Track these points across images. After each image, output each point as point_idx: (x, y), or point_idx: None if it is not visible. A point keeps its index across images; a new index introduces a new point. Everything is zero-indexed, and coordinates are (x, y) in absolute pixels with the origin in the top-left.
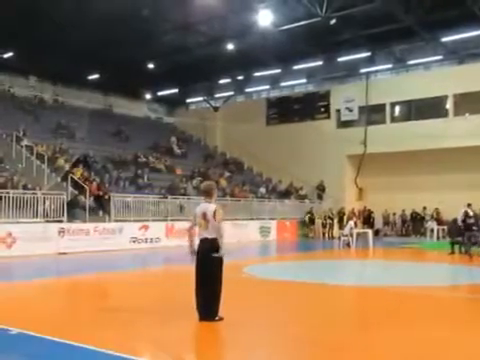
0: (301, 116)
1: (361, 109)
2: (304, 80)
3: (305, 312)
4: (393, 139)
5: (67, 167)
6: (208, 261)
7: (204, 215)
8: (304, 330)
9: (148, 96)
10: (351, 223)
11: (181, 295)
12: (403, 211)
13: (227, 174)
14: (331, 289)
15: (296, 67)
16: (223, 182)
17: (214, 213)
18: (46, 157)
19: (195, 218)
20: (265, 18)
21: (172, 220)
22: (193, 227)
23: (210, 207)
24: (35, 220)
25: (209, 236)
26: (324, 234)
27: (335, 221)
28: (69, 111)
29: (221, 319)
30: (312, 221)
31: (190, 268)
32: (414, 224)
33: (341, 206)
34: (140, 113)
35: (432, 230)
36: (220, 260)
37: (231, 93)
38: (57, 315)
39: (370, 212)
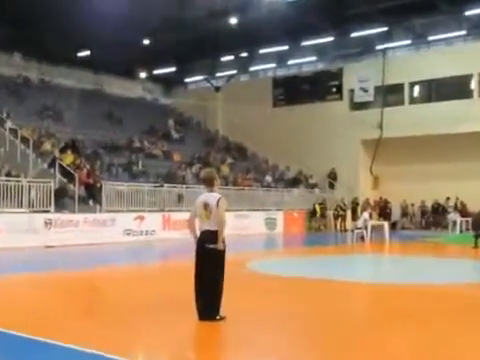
0: (311, 97)
1: (377, 89)
2: (314, 57)
3: (314, 311)
4: (412, 122)
5: (54, 152)
6: (209, 255)
7: (206, 205)
8: (313, 330)
9: (143, 75)
10: (365, 215)
11: (179, 293)
12: (423, 202)
13: (229, 160)
14: (343, 287)
15: (305, 43)
16: (225, 169)
17: (218, 202)
18: (31, 141)
19: (195, 209)
20: None
21: (169, 211)
22: (193, 219)
23: (213, 196)
24: (19, 210)
25: (211, 228)
26: (336, 226)
27: (348, 212)
28: (56, 91)
29: (223, 319)
30: (323, 212)
31: (189, 263)
32: (435, 216)
33: (354, 196)
34: (134, 94)
35: (455, 222)
36: (222, 254)
37: (234, 72)
38: (42, 313)
39: (386, 202)
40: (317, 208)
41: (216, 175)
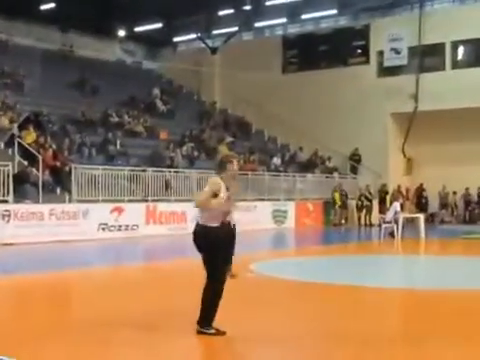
0: (330, 60)
1: (412, 51)
2: (334, 11)
3: (332, 323)
4: (455, 92)
5: (13, 129)
6: (202, 250)
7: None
8: (331, 346)
9: (122, 33)
10: (396, 206)
11: (166, 302)
12: (467, 190)
13: (229, 139)
14: (368, 293)
15: None
16: (224, 149)
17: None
18: None
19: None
20: None
21: (154, 201)
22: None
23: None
24: None
25: (201, 221)
26: (359, 220)
27: (374, 203)
28: (15, 53)
29: (220, 333)
30: (343, 203)
31: (179, 265)
32: None
33: (383, 183)
34: (111, 56)
35: None
36: (212, 246)
37: (235, 29)
38: None
39: (422, 191)
40: (336, 196)
41: (233, 160)
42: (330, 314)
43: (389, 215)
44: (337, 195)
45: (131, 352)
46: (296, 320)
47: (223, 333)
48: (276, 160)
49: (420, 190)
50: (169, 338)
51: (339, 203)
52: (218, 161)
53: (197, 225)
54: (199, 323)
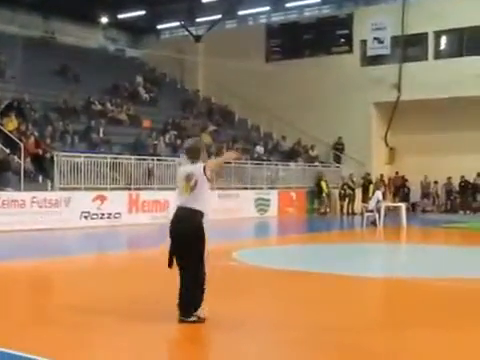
0: (313, 49)
1: (395, 40)
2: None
3: (313, 310)
4: (437, 81)
5: None
6: (187, 238)
7: (189, 176)
8: (312, 334)
9: (104, 20)
10: (378, 194)
11: (149, 290)
12: (449, 179)
13: (212, 128)
14: (350, 281)
15: None
16: (207, 138)
17: (203, 169)
18: None
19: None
20: None
21: (137, 189)
22: None
23: (196, 166)
24: None
25: (190, 205)
26: (342, 209)
27: (357, 191)
28: None
29: (201, 320)
30: (326, 192)
31: (161, 253)
32: (463, 196)
33: (366, 172)
34: (94, 43)
35: None
36: (203, 236)
37: (218, 16)
38: None
39: (404, 180)
40: (323, 185)
41: (203, 145)
42: (311, 302)
43: (372, 204)
44: (324, 184)
45: (114, 339)
46: (277, 308)
47: (203, 320)
48: (259, 149)
49: (401, 179)
50: (152, 325)
51: (326, 191)
52: (192, 148)
53: (188, 209)
54: (185, 314)
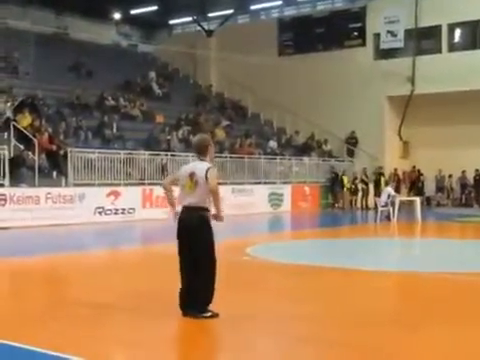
0: (326, 43)
1: (408, 33)
2: None
3: (327, 306)
4: (452, 75)
5: (8, 113)
6: (196, 235)
7: (192, 174)
8: (326, 330)
9: (117, 16)
10: (389, 189)
11: (161, 285)
12: (463, 173)
13: (225, 123)
14: (364, 276)
15: None
16: (220, 133)
17: (207, 172)
18: None
19: (177, 177)
20: None
21: (151, 184)
22: (170, 184)
23: (201, 165)
24: None
25: (195, 203)
26: (351, 203)
27: (371, 186)
28: (9, 36)
29: (214, 315)
30: (340, 186)
31: (174, 248)
32: (478, 190)
33: (379, 165)
34: (107, 39)
35: None
36: (211, 234)
37: (230, 12)
38: None
39: (418, 174)
40: (345, 180)
41: (211, 142)
42: (325, 297)
43: (382, 199)
44: (346, 178)
45: (128, 333)
46: (291, 303)
47: (216, 315)
48: (272, 143)
49: (415, 173)
50: (165, 320)
51: (348, 186)
52: (200, 145)
53: (191, 209)
54: (201, 309)
